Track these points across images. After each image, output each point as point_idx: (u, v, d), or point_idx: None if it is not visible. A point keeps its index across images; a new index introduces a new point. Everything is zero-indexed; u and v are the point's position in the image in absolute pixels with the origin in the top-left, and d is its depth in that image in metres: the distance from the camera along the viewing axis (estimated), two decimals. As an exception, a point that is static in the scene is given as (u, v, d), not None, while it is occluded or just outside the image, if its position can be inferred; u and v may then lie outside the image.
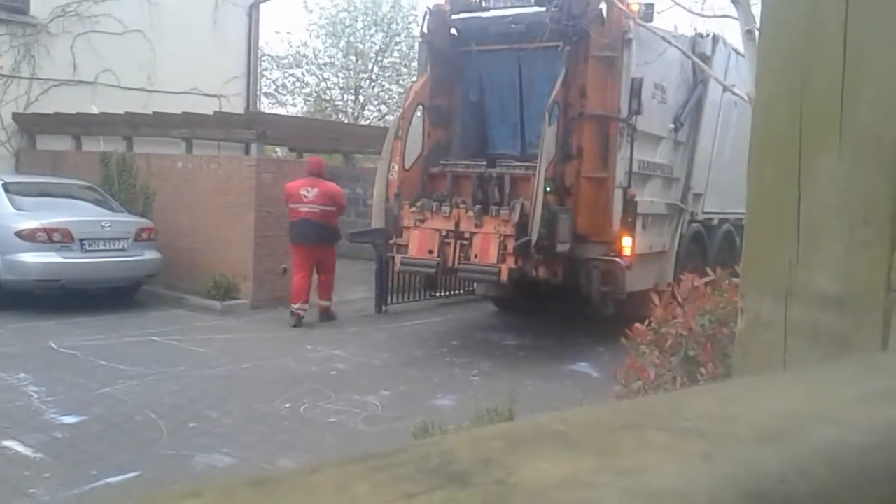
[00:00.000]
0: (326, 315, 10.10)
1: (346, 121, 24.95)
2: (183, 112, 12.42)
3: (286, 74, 27.09)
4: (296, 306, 9.75)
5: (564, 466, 0.33)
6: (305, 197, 9.66)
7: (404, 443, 0.38)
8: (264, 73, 24.07)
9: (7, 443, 5.42)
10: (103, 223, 10.39)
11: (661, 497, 0.31)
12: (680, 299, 5.10)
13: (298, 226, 9.68)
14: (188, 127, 12.09)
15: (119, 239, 10.39)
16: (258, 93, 19.36)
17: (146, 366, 7.53)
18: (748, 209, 1.06)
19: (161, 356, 8.00)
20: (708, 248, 10.62)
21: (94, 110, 13.11)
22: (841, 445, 0.40)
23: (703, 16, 9.71)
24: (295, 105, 27.52)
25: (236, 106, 15.97)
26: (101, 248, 10.24)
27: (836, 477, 0.37)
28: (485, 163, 9.10)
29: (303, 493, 0.29)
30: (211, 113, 12.72)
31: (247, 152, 12.12)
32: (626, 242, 8.64)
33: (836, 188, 0.94)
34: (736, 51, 10.72)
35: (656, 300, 5.21)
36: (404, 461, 0.33)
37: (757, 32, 5.94)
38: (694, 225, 10.37)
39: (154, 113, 12.78)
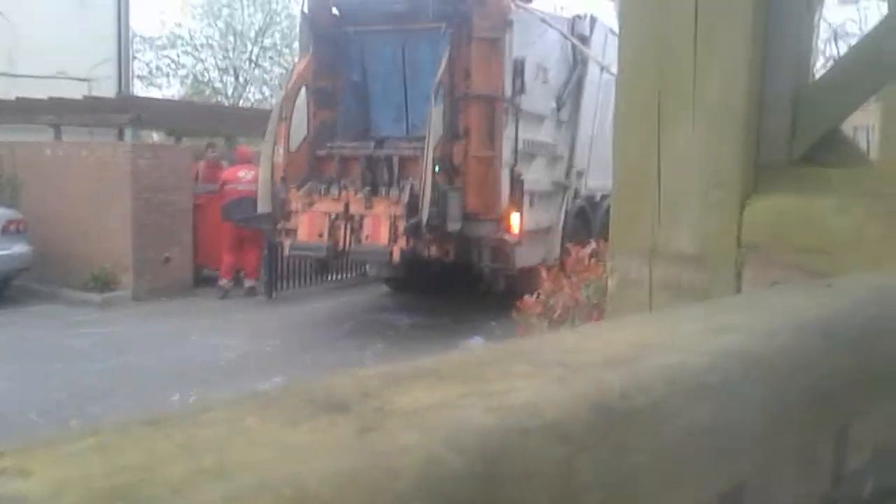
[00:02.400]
0: (252, 292, 10.65)
1: (226, 103, 24.18)
2: (50, 97, 11.72)
3: (160, 56, 25.98)
4: (225, 281, 10.48)
5: (435, 394, 0.37)
6: (244, 178, 10.19)
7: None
8: (137, 54, 22.97)
9: None
10: (-35, 216, 9.71)
11: (517, 411, 0.36)
12: (567, 272, 5.31)
13: (237, 204, 10.10)
14: (56, 113, 11.43)
15: (-16, 232, 9.73)
16: (131, 76, 18.48)
17: (24, 364, 7.13)
18: (614, 178, 1.14)
19: (38, 353, 7.59)
20: (592, 223, 11.01)
21: None
22: (679, 367, 0.46)
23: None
24: (171, 87, 26.46)
25: (107, 90, 15.19)
26: (-35, 242, 9.57)
27: (673, 391, 0.43)
28: (372, 144, 9.08)
29: (197, 427, 0.31)
30: (80, 97, 12.07)
31: (120, 137, 11.59)
32: (515, 219, 8.85)
33: (691, 156, 1.03)
34: (613, 31, 11.12)
35: (544, 274, 5.40)
36: (290, 396, 0.36)
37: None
38: (578, 201, 10.73)
39: (18, 98, 12.01)
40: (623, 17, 1.18)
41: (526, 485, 0.33)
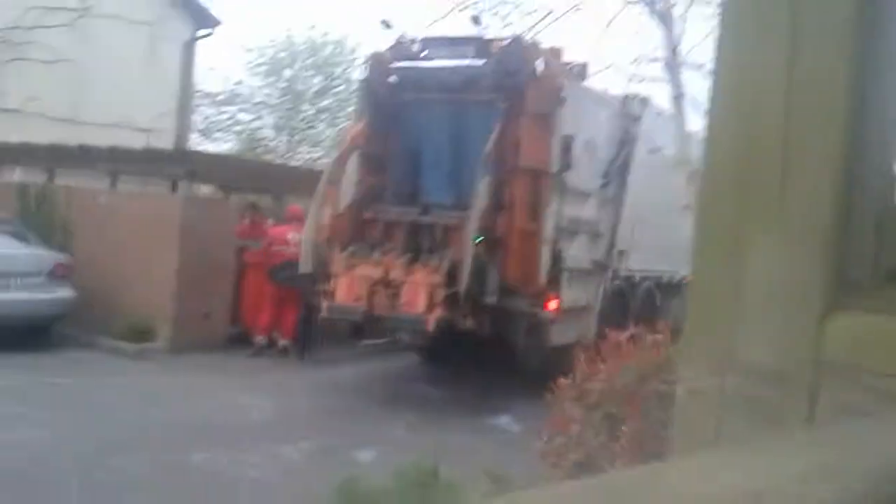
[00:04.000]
0: (285, 352, 10.73)
1: (277, 161, 24.74)
2: (110, 146, 12.09)
3: (219, 111, 26.81)
4: (260, 339, 10.69)
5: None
6: (292, 241, 10.30)
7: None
8: (197, 108, 23.74)
9: None
10: (16, 256, 9.92)
11: None
12: (603, 355, 5.18)
13: (282, 267, 10.22)
14: (114, 161, 11.76)
15: (32, 274, 9.92)
16: (189, 129, 19.06)
17: (52, 410, 7.15)
18: (692, 280, 1.09)
19: (69, 401, 7.61)
20: (630, 304, 10.84)
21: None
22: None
23: (634, 79, 10.12)
24: (227, 142, 27.19)
25: (166, 141, 15.66)
26: (13, 282, 9.75)
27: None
28: (418, 210, 9.13)
29: None
30: (139, 147, 12.43)
31: (174, 189, 11.85)
32: (552, 296, 8.76)
33: (774, 268, 0.98)
34: (663, 113, 11.18)
35: (580, 356, 5.28)
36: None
37: (684, 98, 6.21)
38: (616, 282, 10.60)
39: (80, 145, 12.41)
40: (708, 121, 1.15)
41: None
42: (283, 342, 10.77)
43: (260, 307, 10.86)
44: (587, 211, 9.85)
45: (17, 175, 12.59)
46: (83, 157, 12.03)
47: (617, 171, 10.28)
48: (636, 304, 11.00)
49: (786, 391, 1.02)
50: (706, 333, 1.07)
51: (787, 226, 1.00)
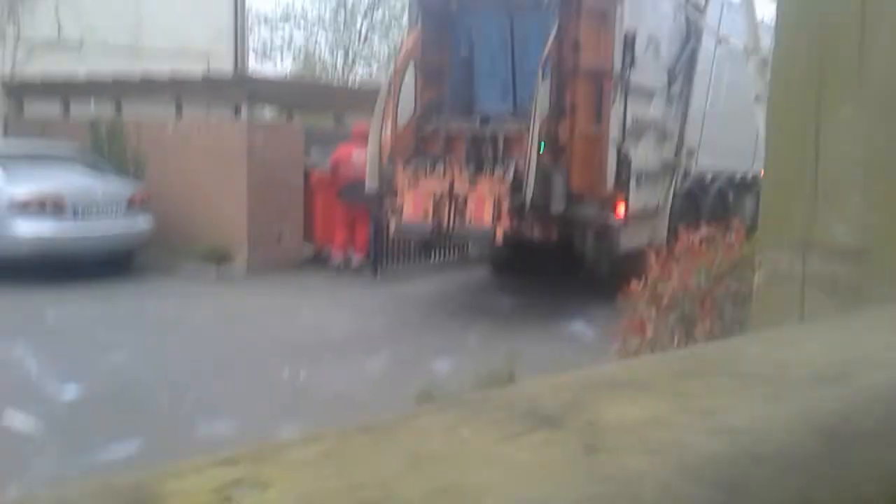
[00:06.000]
0: (360, 269, 10.90)
1: (335, 80, 24.68)
2: (171, 74, 12.27)
3: (274, 32, 26.74)
4: (338, 257, 10.90)
5: (644, 409, 0.35)
6: (356, 160, 10.28)
7: (481, 392, 0.40)
8: (252, 30, 23.72)
9: (6, 417, 5.43)
10: (96, 189, 10.31)
11: (743, 434, 0.33)
12: (676, 257, 5.15)
13: (350, 186, 10.30)
14: (176, 90, 11.95)
15: (112, 206, 10.32)
16: (246, 51, 19.11)
17: (142, 335, 7.55)
18: (766, 160, 1.08)
19: (156, 325, 8.01)
20: (701, 204, 10.63)
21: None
22: (892, 385, 0.42)
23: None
24: (284, 62, 27.20)
25: (225, 62, 15.78)
26: (94, 214, 10.17)
27: (890, 413, 0.39)
28: (477, 122, 9.04)
29: (415, 438, 0.31)
30: (199, 72, 12.57)
31: (236, 114, 12.01)
32: (621, 201, 8.65)
33: (854, 140, 0.96)
34: (730, 2, 10.62)
35: (653, 259, 5.25)
36: (494, 405, 0.35)
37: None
38: (687, 182, 10.38)
39: (142, 77, 12.63)
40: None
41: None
42: (357, 259, 11.00)
43: (332, 227, 11.08)
44: (653, 110, 9.57)
45: (91, 109, 12.94)
46: (146, 87, 12.26)
47: (683, 67, 9.91)
48: (708, 203, 10.77)
49: (872, 271, 1.01)
50: (784, 216, 1.06)
51: (868, 94, 0.97)
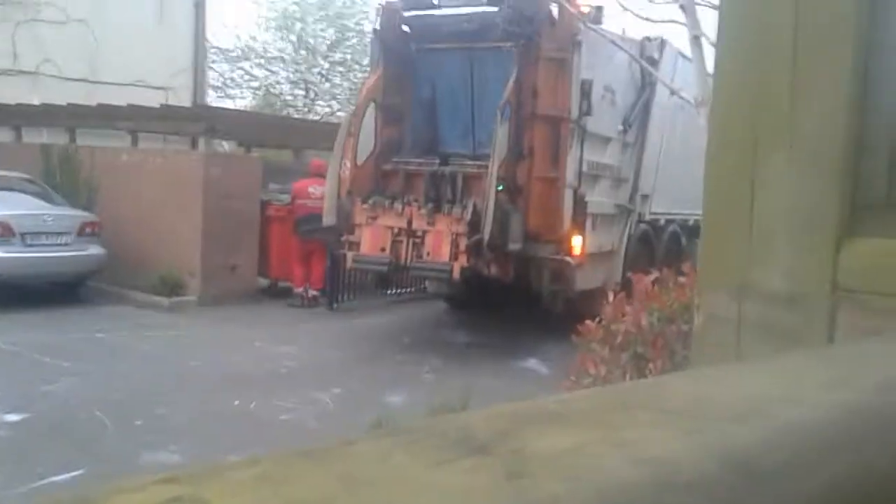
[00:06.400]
0: (315, 302, 10.97)
1: (295, 116, 24.68)
2: (128, 104, 12.17)
3: (234, 68, 26.70)
4: (300, 290, 10.93)
5: (570, 439, 0.37)
6: (313, 194, 10.51)
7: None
8: (212, 65, 23.66)
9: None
10: (45, 217, 10.12)
11: (660, 465, 0.36)
12: (629, 298, 5.23)
13: (307, 220, 10.39)
14: (134, 119, 11.85)
15: (62, 233, 10.13)
16: (206, 86, 19.05)
17: (91, 363, 7.37)
18: (704, 211, 1.12)
19: (106, 353, 7.84)
20: (655, 248, 10.85)
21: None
22: (807, 423, 0.45)
23: (650, 20, 9.91)
24: (243, 98, 27.14)
25: (183, 99, 15.69)
26: (44, 242, 9.97)
27: (803, 449, 0.42)
28: (437, 161, 9.14)
29: (351, 462, 0.32)
30: (157, 105, 12.49)
31: (193, 146, 11.93)
32: (577, 242, 8.78)
33: (786, 192, 1.01)
34: (682, 54, 10.97)
35: (608, 298, 5.32)
36: (429, 433, 0.37)
37: (703, 38, 6.11)
38: (641, 225, 10.59)
39: (98, 104, 12.49)
40: (718, 51, 1.17)
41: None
42: (312, 292, 10.97)
43: (288, 260, 11.05)
44: (609, 156, 9.80)
45: (44, 137, 12.73)
46: (103, 116, 12.13)
47: (638, 116, 10.19)
48: (662, 247, 10.99)
49: (803, 316, 1.06)
50: (721, 262, 1.10)
51: (798, 151, 1.02)
